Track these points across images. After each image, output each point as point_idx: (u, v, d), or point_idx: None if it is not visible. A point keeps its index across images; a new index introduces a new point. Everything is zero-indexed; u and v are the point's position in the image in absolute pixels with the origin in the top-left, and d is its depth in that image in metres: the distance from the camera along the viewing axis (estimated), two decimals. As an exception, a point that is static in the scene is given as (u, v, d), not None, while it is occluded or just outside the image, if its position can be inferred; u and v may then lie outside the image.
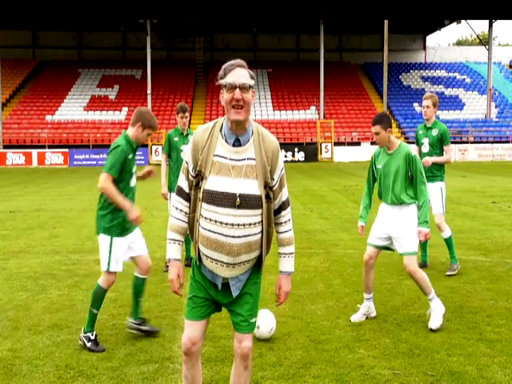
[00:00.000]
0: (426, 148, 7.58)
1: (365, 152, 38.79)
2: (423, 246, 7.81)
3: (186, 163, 3.20)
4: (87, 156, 36.68)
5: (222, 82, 3.05)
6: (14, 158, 36.21)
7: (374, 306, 5.74)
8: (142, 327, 5.19)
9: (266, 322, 5.01)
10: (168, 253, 3.28)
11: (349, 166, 32.28)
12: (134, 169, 5.14)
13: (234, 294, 3.23)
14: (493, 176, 22.93)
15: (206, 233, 3.13)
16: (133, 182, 5.15)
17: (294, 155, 37.16)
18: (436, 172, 7.49)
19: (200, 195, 3.11)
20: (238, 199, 3.05)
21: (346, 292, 6.59)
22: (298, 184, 20.95)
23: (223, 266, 3.15)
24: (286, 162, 36.15)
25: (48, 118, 41.33)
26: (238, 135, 3.10)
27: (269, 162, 3.14)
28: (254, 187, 3.09)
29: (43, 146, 37.60)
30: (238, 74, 3.06)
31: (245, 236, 3.10)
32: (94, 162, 36.41)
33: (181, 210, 3.23)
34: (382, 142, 5.48)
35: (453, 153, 37.55)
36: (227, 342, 5.00)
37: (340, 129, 41.16)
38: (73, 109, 42.62)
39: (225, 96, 3.05)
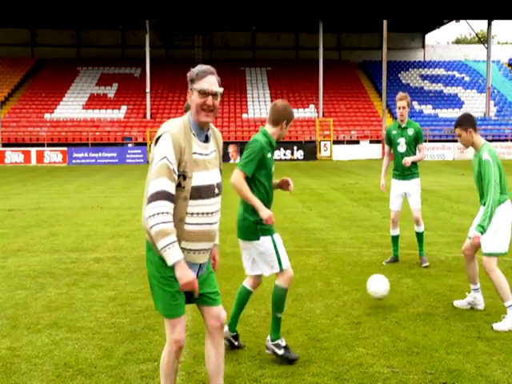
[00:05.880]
0: (402, 148, 7.77)
1: (364, 150, 38.78)
2: (420, 242, 7.86)
3: (171, 164, 3.21)
4: (86, 154, 36.64)
5: (196, 87, 3.30)
6: (13, 156, 36.16)
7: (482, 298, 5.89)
8: (235, 342, 4.87)
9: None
10: (174, 257, 3.17)
11: (348, 165, 32.27)
12: (273, 169, 4.71)
13: (203, 273, 3.52)
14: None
15: (193, 227, 3.33)
16: (271, 183, 4.73)
17: (292, 153, 37.12)
18: (414, 170, 7.80)
19: (187, 194, 3.28)
20: (216, 189, 3.41)
21: (345, 290, 6.59)
22: (296, 182, 20.90)
23: (204, 253, 3.45)
24: (285, 160, 36.13)
25: (47, 116, 41.27)
26: (205, 132, 3.42)
27: (220, 151, 3.57)
28: (219, 175, 3.49)
29: (42, 145, 37.53)
30: (210, 81, 3.32)
31: (217, 221, 3.50)
32: (93, 161, 36.38)
33: (168, 213, 3.20)
34: (465, 144, 5.60)
35: (452, 151, 37.62)
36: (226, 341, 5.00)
37: (339, 127, 41.13)
38: (72, 107, 42.56)
39: (196, 100, 3.30)
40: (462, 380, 4.22)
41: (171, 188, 3.21)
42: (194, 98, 3.31)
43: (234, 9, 40.99)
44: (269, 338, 4.68)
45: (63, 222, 12.02)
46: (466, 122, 5.56)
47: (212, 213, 3.37)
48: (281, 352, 4.56)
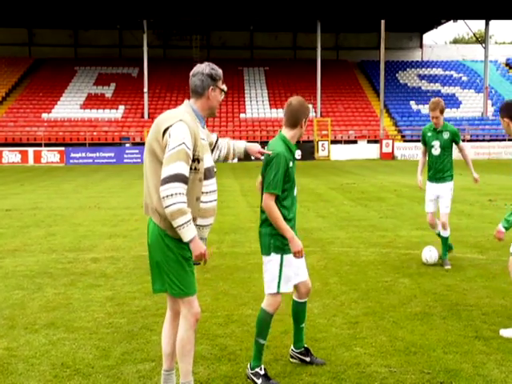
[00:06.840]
0: (436, 151, 7.70)
1: (361, 150, 38.81)
2: (444, 245, 7.76)
3: (188, 149, 3.51)
4: (83, 154, 36.62)
5: (222, 87, 3.80)
6: (10, 156, 36.11)
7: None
8: (306, 358, 4.56)
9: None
10: (191, 233, 3.47)
11: (345, 164, 32.28)
12: (295, 177, 4.37)
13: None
14: (489, 174, 22.95)
15: (207, 205, 3.73)
16: (294, 196, 4.37)
17: (290, 153, 37.09)
18: (446, 173, 7.76)
19: (201, 175, 3.64)
20: (215, 168, 3.85)
21: (343, 290, 6.59)
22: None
23: (209, 227, 3.83)
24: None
25: (44, 116, 41.23)
26: (204, 120, 3.83)
27: None
28: None
29: (39, 145, 37.50)
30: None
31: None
32: (91, 161, 36.35)
33: (184, 194, 3.48)
34: (507, 133, 5.35)
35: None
36: (224, 341, 5.01)
37: (337, 127, 41.16)
38: (69, 107, 42.52)
39: (218, 97, 3.80)
40: (459, 379, 4.22)
41: (187, 172, 3.49)
42: (217, 95, 3.77)
43: (231, 9, 40.99)
44: (249, 365, 4.30)
45: (60, 222, 12.00)
46: (503, 109, 5.23)
47: (216, 190, 3.84)
48: (259, 381, 4.18)
